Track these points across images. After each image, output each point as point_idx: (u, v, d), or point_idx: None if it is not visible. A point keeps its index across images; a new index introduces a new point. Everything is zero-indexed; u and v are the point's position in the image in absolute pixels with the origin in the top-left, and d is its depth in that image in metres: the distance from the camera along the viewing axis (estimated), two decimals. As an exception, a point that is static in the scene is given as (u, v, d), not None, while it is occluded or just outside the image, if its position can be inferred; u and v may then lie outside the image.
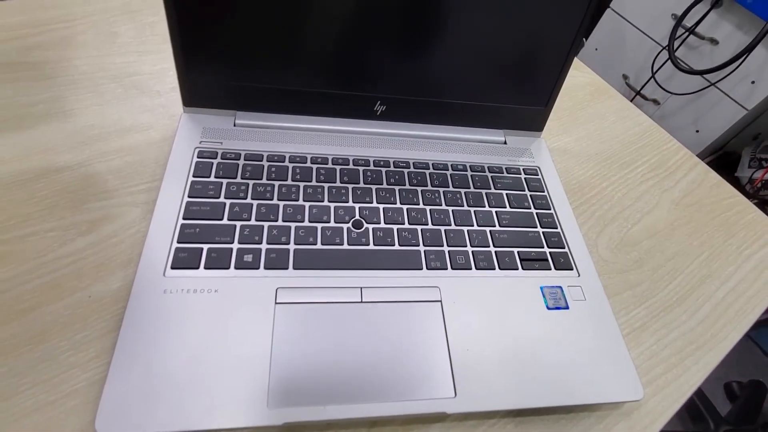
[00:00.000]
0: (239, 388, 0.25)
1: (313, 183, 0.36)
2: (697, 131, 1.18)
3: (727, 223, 0.45)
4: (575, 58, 0.59)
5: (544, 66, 0.39)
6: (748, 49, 0.93)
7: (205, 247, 0.30)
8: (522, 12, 0.35)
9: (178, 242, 0.30)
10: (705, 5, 1.04)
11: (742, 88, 1.06)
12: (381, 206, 0.35)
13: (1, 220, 0.31)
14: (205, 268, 0.30)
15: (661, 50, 1.18)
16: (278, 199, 0.34)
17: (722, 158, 1.31)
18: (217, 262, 0.30)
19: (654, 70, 1.19)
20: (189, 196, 0.33)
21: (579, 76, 0.57)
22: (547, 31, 0.37)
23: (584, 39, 1.39)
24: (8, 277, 0.29)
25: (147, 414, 0.24)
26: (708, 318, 0.37)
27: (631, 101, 1.31)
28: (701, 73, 1.06)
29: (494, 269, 0.34)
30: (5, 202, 0.32)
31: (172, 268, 0.29)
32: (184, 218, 0.31)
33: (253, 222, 0.32)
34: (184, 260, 0.30)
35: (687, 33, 1.11)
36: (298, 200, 0.34)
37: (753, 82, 1.03)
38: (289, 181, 0.35)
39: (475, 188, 0.39)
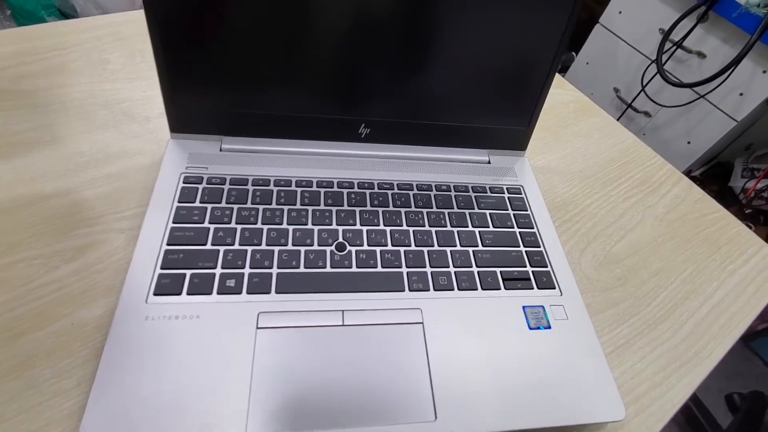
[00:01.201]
0: (219, 414, 0.26)
1: (297, 206, 0.36)
2: (689, 142, 1.19)
3: (711, 238, 0.45)
4: (560, 76, 0.60)
5: (525, 87, 0.40)
6: (735, 62, 0.95)
7: (188, 272, 0.31)
8: (501, 35, 0.36)
9: (162, 268, 0.31)
10: (691, 20, 1.06)
11: (730, 100, 1.07)
12: (364, 228, 0.36)
13: (-13, 248, 0.31)
14: (188, 293, 0.30)
15: (650, 64, 1.19)
16: (262, 223, 0.34)
17: (715, 168, 1.31)
18: (200, 287, 0.30)
19: (644, 84, 1.20)
20: (173, 222, 0.33)
21: (563, 94, 0.58)
22: (527, 54, 0.38)
23: (574, 54, 1.41)
24: (-7, 306, 0.29)
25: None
26: (692, 335, 0.37)
27: (622, 114, 1.33)
28: (690, 86, 1.07)
29: (477, 289, 0.34)
30: (-8, 231, 0.32)
31: (155, 294, 0.30)
32: (168, 244, 0.32)
33: (236, 246, 0.33)
34: (166, 286, 0.30)
35: (675, 47, 1.12)
36: (281, 224, 0.35)
37: (741, 94, 1.04)
38: (274, 205, 0.36)
39: (458, 208, 0.39)
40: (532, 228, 0.39)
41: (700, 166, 1.29)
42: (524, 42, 0.37)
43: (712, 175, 1.30)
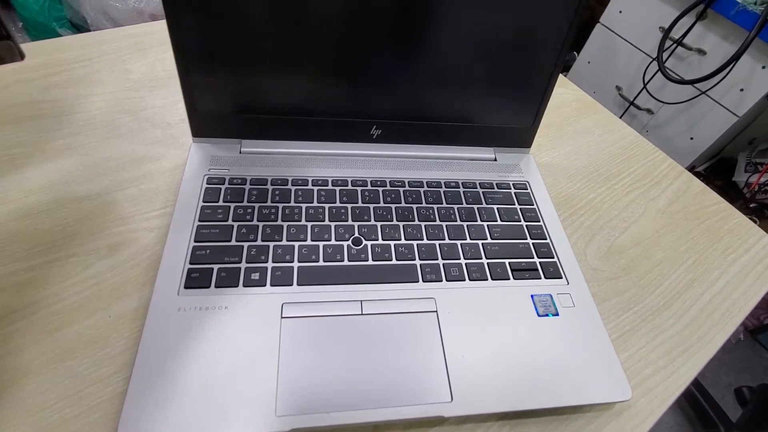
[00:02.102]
0: (249, 397, 0.27)
1: (315, 204, 0.38)
2: (692, 138, 1.20)
3: (712, 229, 0.46)
4: (562, 76, 0.61)
5: (530, 87, 0.42)
6: (735, 58, 0.96)
7: (216, 267, 0.33)
8: (506, 36, 0.38)
9: (190, 263, 0.33)
10: (691, 18, 1.07)
11: (731, 96, 1.08)
12: (378, 224, 0.38)
13: (28, 247, 0.33)
14: (216, 287, 0.32)
15: (651, 61, 1.21)
16: (282, 220, 0.36)
17: (719, 164, 1.32)
18: (227, 281, 0.32)
19: (645, 81, 1.22)
20: (199, 221, 0.35)
21: (566, 93, 0.60)
22: (531, 54, 0.40)
23: (576, 53, 1.42)
24: (36, 300, 0.31)
25: (165, 423, 0.26)
26: (695, 321, 0.39)
27: (625, 112, 1.34)
28: (691, 82, 1.08)
29: (487, 280, 0.36)
30: (32, 231, 0.34)
31: (185, 287, 0.32)
32: (195, 241, 0.34)
33: (259, 242, 0.35)
34: (196, 280, 0.32)
35: (675, 44, 1.14)
36: (300, 221, 0.37)
37: (742, 90, 1.05)
38: (292, 203, 0.38)
39: (467, 204, 0.41)
40: (539, 221, 0.41)
41: (703, 162, 1.30)
42: (528, 43, 0.39)
43: (716, 170, 1.31)
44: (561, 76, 0.62)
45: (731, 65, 0.98)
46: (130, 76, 0.48)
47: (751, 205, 1.20)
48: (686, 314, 0.39)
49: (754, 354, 1.28)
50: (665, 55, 1.16)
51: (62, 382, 0.28)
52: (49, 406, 0.28)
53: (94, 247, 0.34)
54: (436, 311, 0.33)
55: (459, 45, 0.38)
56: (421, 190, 0.41)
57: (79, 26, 1.40)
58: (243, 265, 0.33)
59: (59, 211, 0.36)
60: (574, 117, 0.56)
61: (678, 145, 1.24)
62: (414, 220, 0.39)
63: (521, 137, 0.46)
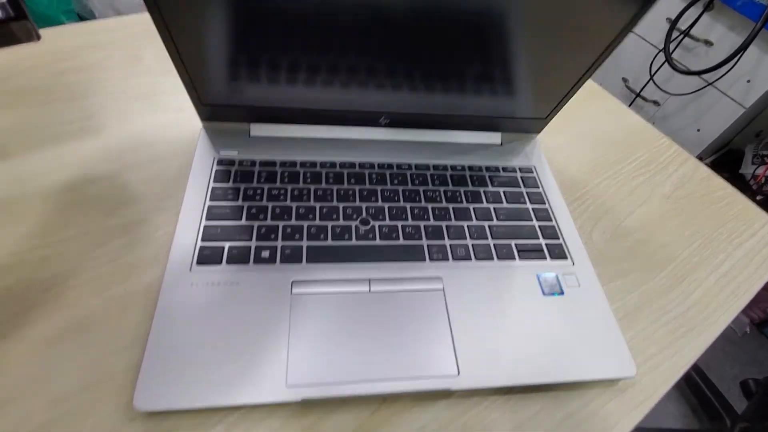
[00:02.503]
0: (261, 368, 0.28)
1: (323, 185, 0.39)
2: (698, 130, 1.20)
3: (718, 213, 0.47)
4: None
5: (556, 86, 0.40)
6: (742, 49, 0.96)
7: (227, 245, 0.34)
8: (548, 34, 0.34)
9: (202, 241, 0.33)
10: (697, 9, 1.07)
11: (738, 87, 1.08)
12: (386, 205, 0.38)
13: (45, 225, 0.34)
14: (227, 263, 0.33)
15: (658, 53, 1.20)
16: (291, 201, 0.37)
17: (726, 156, 1.32)
18: (237, 258, 0.33)
19: (652, 73, 1.21)
20: (210, 200, 0.36)
21: (572, 80, 0.60)
22: (570, 55, 0.36)
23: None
24: (53, 275, 0.32)
25: (179, 392, 0.27)
26: (700, 302, 0.39)
27: (631, 103, 1.33)
28: (697, 73, 1.08)
29: (493, 260, 0.36)
30: (48, 210, 0.35)
31: (198, 263, 0.32)
32: (206, 220, 0.35)
33: (268, 222, 0.35)
34: (208, 257, 0.33)
35: (682, 35, 1.13)
36: (309, 201, 0.37)
37: (749, 81, 1.05)
38: (301, 184, 0.38)
39: (473, 186, 0.42)
40: (544, 204, 0.41)
41: (710, 154, 1.30)
42: (572, 42, 0.35)
43: (723, 162, 1.30)
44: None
45: (738, 56, 0.98)
46: (141, 62, 0.49)
47: (757, 198, 1.20)
48: (691, 296, 0.39)
49: (760, 347, 1.27)
50: (672, 47, 1.15)
51: (79, 353, 0.29)
52: (68, 373, 0.28)
53: (108, 225, 0.35)
54: (443, 289, 0.34)
55: (483, 43, 0.34)
56: (428, 173, 0.42)
57: (86, 19, 1.41)
58: (253, 243, 0.34)
59: (73, 191, 0.37)
60: (581, 103, 0.56)
61: (685, 137, 1.23)
62: (421, 202, 0.39)
63: (532, 126, 0.46)
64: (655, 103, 1.28)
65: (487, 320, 0.33)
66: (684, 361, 0.36)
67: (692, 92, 1.16)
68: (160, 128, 0.43)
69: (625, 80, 1.34)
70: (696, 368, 1.17)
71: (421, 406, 0.30)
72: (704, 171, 0.51)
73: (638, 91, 1.29)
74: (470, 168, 0.43)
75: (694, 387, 1.14)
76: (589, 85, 0.60)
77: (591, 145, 0.51)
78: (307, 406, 0.29)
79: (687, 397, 1.15)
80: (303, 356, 0.29)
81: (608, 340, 0.33)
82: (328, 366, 0.29)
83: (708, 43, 1.11)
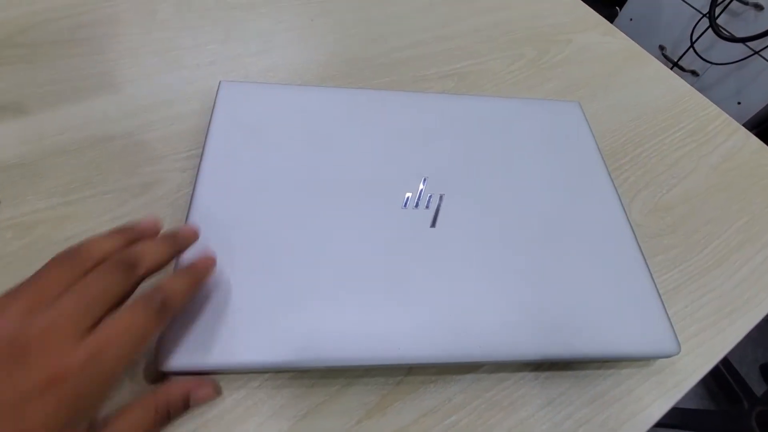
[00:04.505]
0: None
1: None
2: (739, 103, 1.13)
3: (769, 188, 0.43)
4: (608, 23, 0.57)
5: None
6: (798, 13, 0.88)
7: (247, 206, 0.32)
8: None
9: (223, 203, 0.32)
10: (751, -32, 0.98)
11: (789, 56, 1.00)
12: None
13: (64, 183, 0.33)
14: (248, 225, 0.31)
15: (701, 18, 1.12)
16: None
17: (766, 133, 1.24)
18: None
19: (693, 40, 1.14)
20: (231, 161, 0.34)
21: (612, 42, 0.56)
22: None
23: (618, 8, 1.33)
24: (73, 235, 0.31)
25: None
26: (745, 282, 0.37)
27: (667, 73, 1.26)
28: (744, 40, 1.00)
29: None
30: (67, 168, 0.34)
31: (218, 225, 0.31)
32: (227, 181, 0.33)
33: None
34: (229, 218, 0.31)
35: (730, -2, 1.05)
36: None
37: (801, 49, 0.97)
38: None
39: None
40: None
41: (750, 130, 1.23)
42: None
43: (764, 138, 1.24)
44: (608, 23, 0.58)
45: (793, 21, 0.90)
46: (156, 16, 0.47)
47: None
48: (736, 275, 0.37)
49: (784, 330, 1.24)
50: (717, 11, 1.07)
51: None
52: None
53: (127, 184, 0.34)
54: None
55: None
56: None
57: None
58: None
59: (92, 149, 0.36)
60: (620, 67, 0.52)
61: (723, 111, 1.17)
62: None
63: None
64: (694, 73, 1.20)
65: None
66: (726, 342, 0.34)
67: (736, 61, 1.09)
68: (176, 86, 0.41)
69: (662, 48, 1.26)
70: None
71: (446, 379, 0.29)
72: (755, 143, 0.47)
73: (676, 60, 1.21)
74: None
75: (713, 369, 1.12)
76: (630, 46, 0.56)
77: (632, 112, 0.48)
78: (331, 373, 0.28)
79: (704, 379, 1.13)
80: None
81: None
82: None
83: (758, 6, 1.03)
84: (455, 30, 0.52)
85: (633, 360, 0.31)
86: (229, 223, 0.31)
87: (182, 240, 0.26)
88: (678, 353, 0.30)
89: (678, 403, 0.32)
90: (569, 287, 0.31)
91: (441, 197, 0.34)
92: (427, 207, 0.33)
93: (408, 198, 0.33)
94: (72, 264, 0.21)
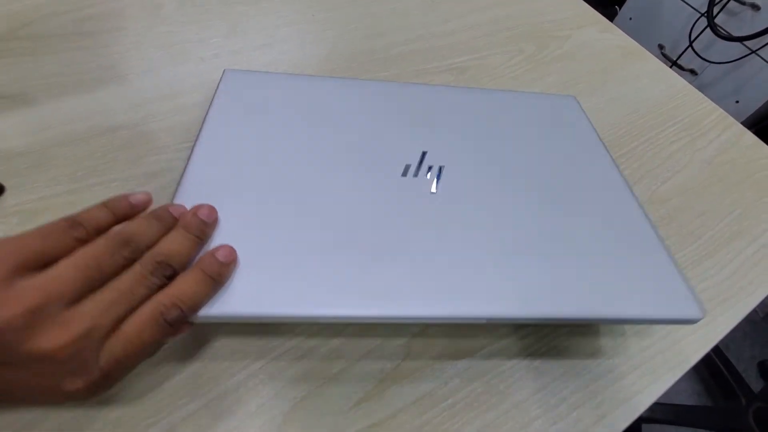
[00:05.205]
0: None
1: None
2: (737, 102, 1.13)
3: (762, 182, 0.44)
4: (607, 20, 0.58)
5: None
6: (795, 12, 0.89)
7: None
8: None
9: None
10: (749, -33, 0.99)
11: (786, 55, 1.01)
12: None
13: (70, 172, 0.34)
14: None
15: (699, 17, 1.13)
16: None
17: (766, 130, 1.25)
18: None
19: (692, 39, 1.14)
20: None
21: (611, 39, 0.56)
22: None
23: (617, 7, 1.34)
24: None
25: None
26: (737, 272, 0.38)
27: (666, 72, 1.27)
28: (742, 39, 1.01)
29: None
30: (73, 157, 0.35)
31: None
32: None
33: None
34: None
35: (728, -2, 1.06)
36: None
37: (798, 48, 0.98)
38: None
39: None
40: None
41: (748, 128, 1.23)
42: None
43: (762, 137, 1.24)
44: (606, 21, 0.58)
45: (790, 20, 0.91)
46: (161, 10, 0.47)
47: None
48: (728, 266, 0.38)
49: (781, 328, 1.25)
50: (715, 10, 1.08)
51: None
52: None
53: (133, 174, 0.35)
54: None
55: None
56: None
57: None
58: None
59: (97, 139, 0.36)
60: (619, 63, 0.53)
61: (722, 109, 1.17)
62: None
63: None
64: (692, 72, 1.21)
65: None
66: (717, 332, 0.34)
67: (734, 60, 1.09)
68: (181, 78, 0.42)
69: (661, 47, 1.27)
70: (714, 347, 1.16)
71: (443, 364, 0.30)
72: (749, 138, 0.48)
73: (675, 59, 1.22)
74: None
75: (711, 364, 1.13)
76: (628, 44, 0.56)
77: (629, 107, 0.48)
78: (329, 358, 0.29)
79: (701, 375, 1.14)
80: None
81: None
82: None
83: (755, 7, 1.03)
84: (455, 25, 0.53)
85: (656, 324, 0.29)
86: (226, 190, 0.29)
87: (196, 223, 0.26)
88: (701, 318, 0.27)
89: (676, 399, 0.32)
90: (582, 251, 0.30)
91: (441, 168, 0.33)
92: (427, 175, 0.32)
93: (408, 167, 0.33)
94: (72, 231, 0.22)
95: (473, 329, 0.32)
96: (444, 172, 0.33)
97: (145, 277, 0.22)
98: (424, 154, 0.33)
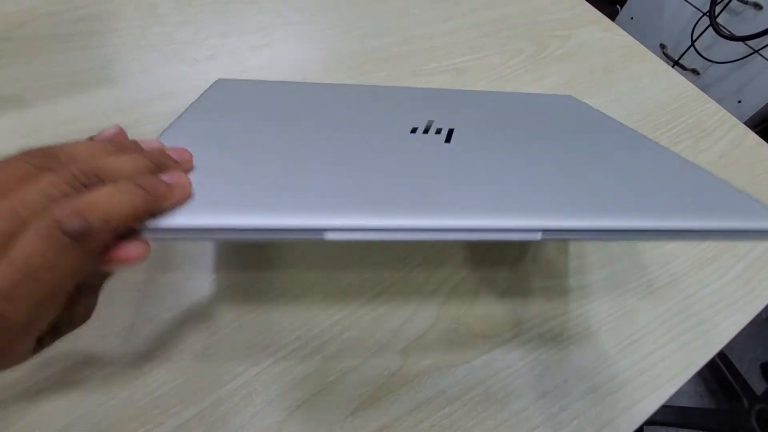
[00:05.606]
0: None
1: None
2: (740, 102, 1.12)
3: (766, 183, 0.43)
4: (608, 20, 0.57)
5: None
6: (798, 12, 0.88)
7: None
8: None
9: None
10: (751, -34, 0.98)
11: (789, 55, 1.00)
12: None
13: (62, 175, 0.33)
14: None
15: (702, 16, 1.12)
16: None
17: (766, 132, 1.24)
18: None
19: (694, 38, 1.13)
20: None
21: (612, 38, 0.56)
22: None
23: (619, 7, 1.33)
24: (71, 226, 0.31)
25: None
26: (740, 277, 0.37)
27: (667, 72, 1.26)
28: (744, 39, 1.00)
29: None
30: (65, 159, 0.34)
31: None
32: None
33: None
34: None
35: (730, -3, 1.05)
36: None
37: (801, 48, 0.97)
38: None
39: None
40: None
41: (751, 128, 1.22)
42: None
43: (765, 137, 1.23)
44: (607, 20, 0.58)
45: (793, 19, 0.90)
46: (156, 10, 0.47)
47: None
48: (732, 270, 0.37)
49: (784, 330, 1.24)
50: (717, 10, 1.07)
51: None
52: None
53: (125, 176, 0.34)
54: None
55: None
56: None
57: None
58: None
59: (90, 141, 0.36)
60: (620, 63, 0.52)
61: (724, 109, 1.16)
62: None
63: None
64: (695, 71, 1.20)
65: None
66: (720, 338, 0.34)
67: (736, 60, 1.09)
68: (176, 79, 0.41)
69: (663, 46, 1.26)
70: (716, 348, 1.15)
71: (440, 372, 0.29)
72: (753, 138, 0.47)
73: (677, 59, 1.21)
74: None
75: (713, 366, 1.12)
76: (630, 43, 0.56)
77: (631, 107, 0.48)
78: (325, 365, 0.28)
79: (703, 377, 1.13)
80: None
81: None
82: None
83: (757, 6, 1.03)
84: (455, 25, 0.52)
85: (726, 235, 0.22)
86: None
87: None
88: None
89: (679, 401, 0.32)
90: (631, 172, 0.26)
91: (451, 130, 0.29)
92: (437, 132, 0.29)
93: (416, 128, 0.29)
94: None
95: (472, 334, 0.31)
96: (455, 131, 0.29)
97: (55, 185, 0.15)
98: (431, 121, 0.30)
